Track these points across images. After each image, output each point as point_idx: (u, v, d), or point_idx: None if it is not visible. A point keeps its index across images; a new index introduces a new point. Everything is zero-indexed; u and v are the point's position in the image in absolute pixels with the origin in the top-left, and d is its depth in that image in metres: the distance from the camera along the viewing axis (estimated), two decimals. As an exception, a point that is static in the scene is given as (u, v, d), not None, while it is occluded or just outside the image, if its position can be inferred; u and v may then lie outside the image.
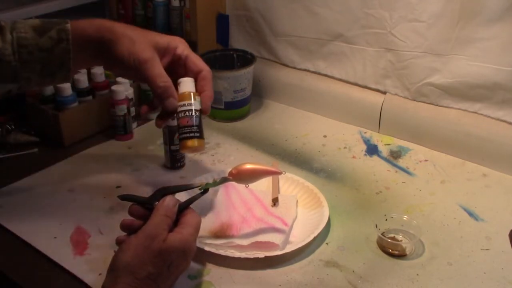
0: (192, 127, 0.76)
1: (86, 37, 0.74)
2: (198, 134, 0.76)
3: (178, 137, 0.77)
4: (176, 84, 0.77)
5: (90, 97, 1.08)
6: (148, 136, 1.09)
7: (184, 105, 0.76)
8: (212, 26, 1.27)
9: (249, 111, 1.19)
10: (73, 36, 0.73)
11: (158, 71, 0.74)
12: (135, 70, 0.74)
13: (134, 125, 1.11)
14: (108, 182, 0.94)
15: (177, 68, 0.79)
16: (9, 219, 0.84)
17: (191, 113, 0.76)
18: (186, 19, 1.25)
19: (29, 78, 0.74)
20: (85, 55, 0.76)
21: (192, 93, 0.77)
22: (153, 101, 0.82)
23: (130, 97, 1.08)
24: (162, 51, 0.77)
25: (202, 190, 0.74)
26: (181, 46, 0.78)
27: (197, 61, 0.79)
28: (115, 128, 1.06)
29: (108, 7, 1.38)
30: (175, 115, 0.77)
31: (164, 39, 0.77)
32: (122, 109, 1.04)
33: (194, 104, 0.76)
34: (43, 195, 0.90)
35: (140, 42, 0.74)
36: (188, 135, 0.75)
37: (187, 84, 0.77)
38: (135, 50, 0.73)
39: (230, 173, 0.76)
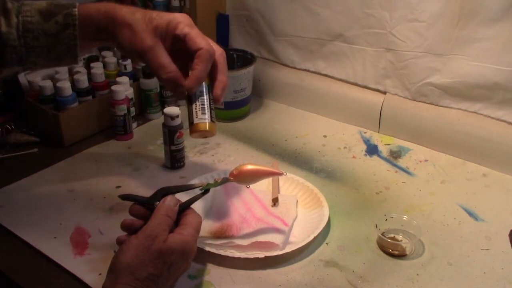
0: (192, 114, 0.74)
1: (93, 23, 0.72)
2: (203, 119, 0.74)
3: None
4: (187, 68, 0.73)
5: (90, 97, 1.08)
6: (148, 136, 1.09)
7: None
8: (212, 26, 1.26)
9: (249, 111, 1.19)
10: (80, 21, 0.71)
11: (160, 61, 0.71)
12: (138, 59, 0.73)
13: (134, 125, 1.11)
14: (108, 182, 0.94)
15: (182, 48, 0.73)
16: (9, 219, 0.84)
17: (194, 98, 0.74)
18: (186, 19, 1.25)
19: (35, 62, 0.73)
20: (93, 39, 0.74)
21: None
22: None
23: (130, 97, 1.08)
24: (163, 34, 0.72)
25: (203, 191, 0.74)
26: (180, 25, 0.72)
27: (195, 38, 0.71)
28: (115, 128, 1.06)
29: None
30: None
31: (164, 19, 0.72)
32: (122, 109, 1.04)
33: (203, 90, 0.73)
34: (43, 195, 0.90)
35: (140, 31, 0.71)
36: (192, 120, 0.74)
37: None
38: (135, 40, 0.71)
39: (231, 174, 0.76)
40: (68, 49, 0.73)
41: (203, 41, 0.72)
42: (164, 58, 0.71)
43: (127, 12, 0.72)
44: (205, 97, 0.74)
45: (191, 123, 0.74)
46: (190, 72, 0.72)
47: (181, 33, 0.72)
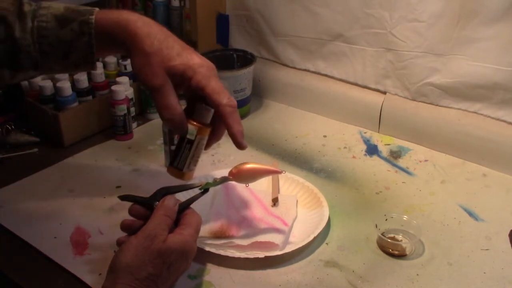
0: (176, 157, 0.74)
1: (108, 35, 0.69)
2: (170, 160, 0.75)
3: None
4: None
5: (90, 97, 1.08)
6: (148, 136, 1.09)
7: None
8: (212, 26, 1.26)
9: (249, 111, 1.19)
10: (96, 30, 0.69)
11: (166, 102, 0.69)
12: (145, 89, 0.70)
13: (134, 125, 1.11)
14: (108, 182, 0.94)
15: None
16: (9, 219, 0.84)
17: (184, 144, 0.73)
18: (186, 19, 1.25)
19: (52, 67, 0.72)
20: (110, 49, 0.73)
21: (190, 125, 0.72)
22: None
23: (130, 97, 1.08)
24: (177, 80, 0.70)
25: (203, 190, 0.74)
26: (196, 77, 0.69)
27: (212, 95, 0.69)
28: (115, 128, 1.06)
29: (108, 7, 1.38)
30: None
31: (181, 65, 0.68)
32: (122, 109, 1.04)
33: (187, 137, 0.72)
34: (43, 195, 0.90)
35: (153, 65, 0.68)
36: (171, 163, 0.75)
37: (202, 116, 0.72)
38: (145, 72, 0.68)
39: (231, 173, 0.76)
40: (84, 57, 0.71)
41: (220, 96, 0.69)
42: (170, 100, 0.69)
43: (147, 35, 0.68)
44: (201, 150, 0.74)
45: (178, 167, 0.74)
46: (232, 135, 0.71)
47: (196, 86, 0.69)
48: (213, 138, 0.75)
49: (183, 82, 0.70)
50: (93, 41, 0.69)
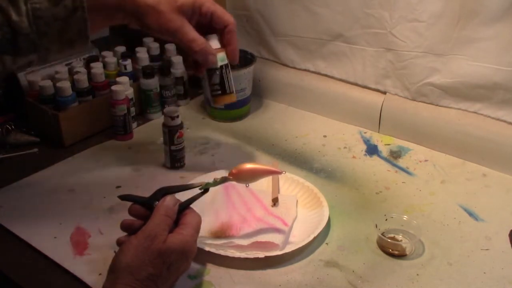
0: (215, 86, 0.84)
1: (103, 5, 0.73)
2: (219, 92, 0.84)
3: (210, 93, 0.86)
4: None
5: (90, 97, 1.08)
6: (148, 136, 1.09)
7: None
8: (212, 26, 1.26)
9: (249, 111, 1.19)
10: (90, 4, 0.71)
11: (191, 36, 0.77)
12: (166, 37, 0.79)
13: (134, 125, 1.11)
14: (108, 182, 0.94)
15: (204, 23, 0.80)
16: (9, 219, 0.84)
17: (214, 73, 0.83)
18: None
19: (48, 48, 0.73)
20: (104, 19, 0.77)
21: (217, 52, 0.81)
22: (191, 62, 0.85)
23: (130, 97, 1.08)
24: (189, 13, 0.77)
25: (203, 190, 0.74)
26: (206, 3, 0.78)
27: (223, 16, 0.80)
28: (115, 128, 1.06)
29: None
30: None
31: (187, 2, 0.76)
32: (122, 109, 1.04)
33: (217, 62, 0.82)
34: (43, 195, 0.90)
35: (166, 12, 0.74)
36: (214, 93, 0.85)
37: (212, 43, 0.81)
38: (163, 21, 0.75)
39: (231, 173, 0.76)
40: (79, 31, 0.72)
41: (227, 17, 0.80)
42: (193, 33, 0.77)
43: None
44: (229, 71, 0.84)
45: (223, 93, 0.84)
46: (228, 47, 0.81)
47: (207, 11, 0.78)
48: (234, 51, 0.83)
49: (194, 13, 0.78)
50: (86, 15, 0.71)
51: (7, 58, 0.71)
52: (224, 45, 0.82)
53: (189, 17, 0.77)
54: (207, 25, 0.80)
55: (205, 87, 0.86)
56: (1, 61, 0.71)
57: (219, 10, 0.80)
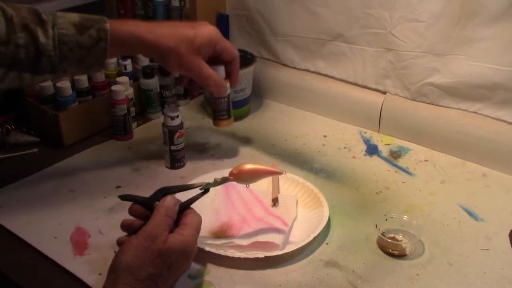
0: (222, 111, 0.96)
1: (122, 40, 0.79)
2: (226, 116, 0.97)
3: (213, 116, 0.98)
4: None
5: (90, 97, 1.08)
6: (148, 136, 1.09)
7: None
8: (212, 26, 1.26)
9: (249, 111, 1.19)
10: (112, 36, 0.77)
11: (207, 73, 0.85)
12: (183, 73, 0.88)
13: (134, 125, 1.11)
14: (108, 182, 0.94)
15: (214, 56, 0.88)
16: (9, 219, 0.84)
17: (221, 101, 0.94)
18: (186, 19, 1.25)
19: (65, 70, 0.77)
20: (123, 52, 0.86)
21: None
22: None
23: (130, 97, 1.08)
24: (205, 51, 0.84)
25: (203, 190, 0.74)
26: (219, 43, 0.86)
27: (231, 51, 0.88)
28: (115, 128, 1.06)
29: (108, 7, 1.38)
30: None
31: (204, 38, 0.83)
32: (122, 109, 1.04)
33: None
34: (43, 195, 0.90)
35: (186, 54, 0.82)
36: (220, 117, 0.97)
37: (221, 73, 0.90)
38: (183, 62, 0.83)
39: (231, 173, 0.76)
40: (97, 60, 0.78)
41: (234, 51, 0.89)
42: (209, 70, 0.86)
43: (164, 39, 0.80)
44: (224, 99, 0.95)
45: (228, 117, 0.97)
46: (232, 76, 0.92)
47: (220, 48, 0.87)
48: (235, 80, 0.93)
49: (208, 51, 0.85)
50: (107, 46, 0.77)
51: (26, 76, 0.76)
52: (228, 73, 0.91)
53: (204, 54, 0.85)
54: (216, 57, 0.88)
55: (210, 109, 0.99)
56: (20, 77, 0.76)
57: (228, 46, 0.88)
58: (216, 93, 0.92)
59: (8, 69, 0.74)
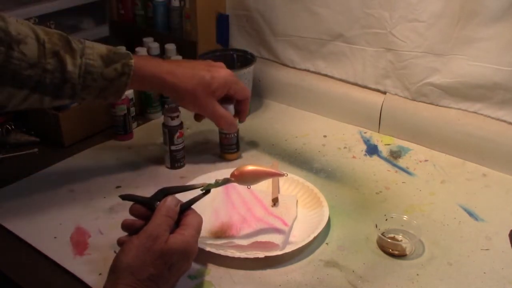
0: (232, 145, 1.01)
1: (143, 78, 0.82)
2: (235, 150, 1.02)
3: (221, 149, 1.02)
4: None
5: (90, 97, 1.08)
6: (148, 136, 1.09)
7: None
8: (212, 26, 1.26)
9: (249, 111, 1.19)
10: (134, 73, 0.80)
11: (220, 113, 0.89)
12: (197, 112, 0.92)
13: (134, 125, 1.11)
14: (108, 182, 0.94)
15: (227, 96, 0.91)
16: (9, 219, 0.84)
17: (231, 135, 0.99)
18: (186, 19, 1.25)
19: (84, 98, 0.80)
20: (141, 87, 0.92)
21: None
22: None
23: (130, 97, 1.08)
24: (219, 93, 0.88)
25: (204, 191, 0.74)
26: (233, 85, 0.89)
27: (243, 92, 0.92)
28: (115, 128, 1.06)
29: (108, 7, 1.38)
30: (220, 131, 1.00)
31: (221, 83, 0.87)
32: (122, 109, 1.04)
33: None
34: (43, 195, 0.90)
35: (202, 97, 0.86)
36: (228, 151, 1.01)
37: (231, 111, 0.93)
38: (198, 103, 0.87)
39: (232, 175, 0.76)
40: (116, 92, 0.81)
41: (247, 92, 0.93)
42: (222, 111, 0.89)
43: (182, 81, 0.84)
44: (233, 135, 1.01)
45: (237, 150, 1.02)
46: (242, 112, 0.95)
47: (234, 91, 0.90)
48: (244, 116, 0.97)
49: (222, 93, 0.89)
50: (129, 81, 0.80)
51: (47, 99, 0.78)
52: (238, 110, 0.94)
53: (218, 96, 0.88)
54: (229, 95, 0.91)
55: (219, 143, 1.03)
56: (41, 100, 0.78)
57: (241, 88, 0.91)
58: (226, 130, 0.97)
59: (32, 92, 0.76)
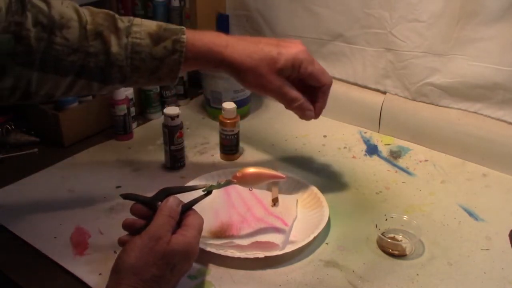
0: (231, 147, 1.00)
1: (201, 55, 0.74)
2: (234, 152, 1.01)
3: (221, 149, 1.01)
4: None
5: (90, 97, 1.07)
6: (148, 136, 1.09)
7: (226, 130, 0.98)
8: (212, 26, 1.27)
9: (249, 111, 1.19)
10: (188, 49, 0.73)
11: (290, 95, 0.78)
12: (264, 94, 0.81)
13: (134, 125, 1.11)
14: (108, 182, 0.94)
15: (301, 78, 0.79)
16: (9, 219, 0.84)
17: (230, 137, 0.98)
18: (186, 19, 1.25)
19: (136, 81, 0.75)
20: (198, 66, 0.78)
21: (235, 120, 0.97)
22: None
23: (130, 97, 1.08)
24: (288, 73, 0.77)
25: (206, 192, 0.74)
26: (303, 64, 0.77)
27: (320, 77, 0.79)
28: (115, 128, 1.06)
29: (108, 7, 1.38)
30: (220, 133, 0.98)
31: (288, 60, 0.76)
32: (122, 109, 1.04)
33: (234, 129, 0.98)
34: (43, 195, 0.90)
35: (265, 74, 0.75)
36: (228, 152, 1.01)
37: (230, 113, 0.94)
38: (263, 82, 0.76)
39: (235, 176, 0.76)
40: (170, 72, 0.74)
41: (324, 78, 0.79)
42: (293, 92, 0.78)
43: (243, 56, 0.74)
44: (232, 137, 0.99)
45: (236, 152, 1.01)
46: (315, 105, 0.82)
47: (305, 72, 0.77)
48: (319, 108, 0.83)
49: (293, 73, 0.77)
50: (182, 59, 0.73)
51: (95, 84, 0.73)
52: (314, 101, 0.82)
53: (288, 75, 0.77)
54: (303, 80, 0.79)
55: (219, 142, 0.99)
56: (89, 86, 0.73)
57: (316, 70, 0.79)
58: (300, 117, 0.83)
59: (77, 77, 0.71)
